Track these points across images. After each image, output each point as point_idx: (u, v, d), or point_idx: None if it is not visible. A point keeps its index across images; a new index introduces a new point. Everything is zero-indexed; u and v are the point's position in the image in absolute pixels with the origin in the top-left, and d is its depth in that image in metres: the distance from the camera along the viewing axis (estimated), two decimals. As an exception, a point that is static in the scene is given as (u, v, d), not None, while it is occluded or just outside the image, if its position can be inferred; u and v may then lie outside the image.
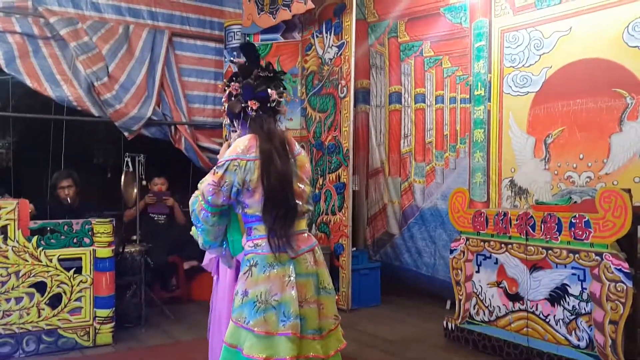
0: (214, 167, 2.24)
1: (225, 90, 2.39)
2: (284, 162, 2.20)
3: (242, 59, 2.36)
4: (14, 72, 5.47)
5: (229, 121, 2.40)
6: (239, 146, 2.22)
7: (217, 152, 6.47)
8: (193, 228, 2.40)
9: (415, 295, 5.80)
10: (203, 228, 2.31)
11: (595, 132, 4.26)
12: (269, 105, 2.28)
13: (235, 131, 2.42)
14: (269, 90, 2.28)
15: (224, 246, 2.46)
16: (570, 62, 4.46)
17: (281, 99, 2.32)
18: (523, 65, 4.79)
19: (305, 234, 2.31)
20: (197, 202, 2.27)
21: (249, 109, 2.26)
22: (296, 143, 2.39)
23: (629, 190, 3.44)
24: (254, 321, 2.13)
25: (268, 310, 2.13)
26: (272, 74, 2.33)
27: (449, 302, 5.24)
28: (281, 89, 2.35)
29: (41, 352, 4.11)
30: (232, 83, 2.31)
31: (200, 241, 2.38)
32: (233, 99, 2.32)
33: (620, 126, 4.12)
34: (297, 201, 2.24)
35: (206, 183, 2.23)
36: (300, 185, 2.29)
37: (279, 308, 2.13)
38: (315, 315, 2.23)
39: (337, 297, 2.45)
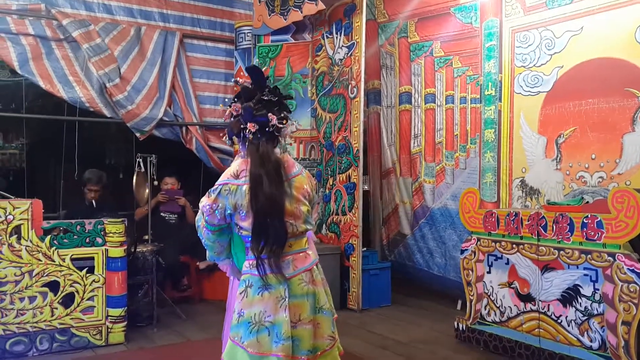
0: (210, 190, 2.32)
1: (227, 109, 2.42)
2: (274, 186, 2.20)
3: (248, 80, 2.37)
4: (28, 73, 5.53)
5: (228, 138, 2.42)
6: (231, 170, 2.30)
7: (227, 153, 6.54)
8: None
9: (427, 296, 5.79)
10: (206, 243, 2.42)
11: (607, 132, 4.23)
12: (267, 129, 2.27)
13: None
14: (269, 115, 2.27)
15: (230, 259, 2.53)
16: (581, 61, 4.44)
17: (281, 126, 2.29)
18: (534, 65, 4.77)
19: (302, 254, 2.31)
20: (200, 219, 2.36)
21: (247, 131, 2.26)
22: (296, 165, 2.40)
23: (641, 191, 3.42)
24: (248, 342, 2.18)
25: (261, 332, 2.18)
26: (275, 98, 2.32)
27: (459, 303, 5.23)
28: (283, 114, 2.33)
29: (54, 350, 4.15)
30: (234, 104, 2.32)
31: (207, 254, 2.51)
32: (233, 119, 2.33)
33: (632, 126, 4.09)
34: (290, 221, 2.26)
35: (203, 204, 2.31)
36: (296, 206, 2.28)
37: (272, 329, 2.17)
38: (310, 335, 2.23)
39: (335, 317, 2.40)
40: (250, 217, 2.20)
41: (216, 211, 2.27)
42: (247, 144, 2.30)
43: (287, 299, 2.19)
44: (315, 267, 2.33)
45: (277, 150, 2.32)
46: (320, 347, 2.27)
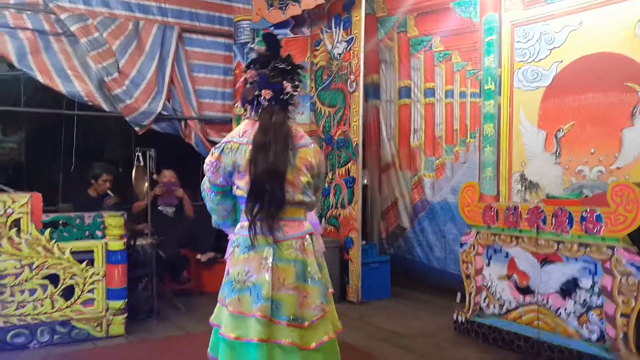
0: (213, 147, 2.35)
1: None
2: (277, 152, 2.20)
3: (263, 47, 2.39)
4: (26, 68, 5.51)
5: (241, 106, 2.41)
6: (236, 130, 2.33)
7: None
8: None
9: (427, 289, 5.81)
10: (210, 207, 2.42)
11: (606, 126, 4.25)
12: (281, 97, 2.28)
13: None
14: (284, 82, 2.28)
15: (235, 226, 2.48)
16: (581, 56, 4.45)
17: (295, 93, 2.31)
18: (533, 60, 4.78)
19: (296, 222, 2.28)
20: (205, 181, 2.38)
21: (262, 98, 2.27)
22: (305, 137, 2.38)
23: (640, 184, 3.44)
24: (229, 300, 2.21)
25: (243, 291, 2.18)
26: (289, 67, 2.32)
27: (459, 295, 5.25)
28: (296, 82, 2.34)
29: (55, 342, 4.16)
30: (249, 70, 2.33)
31: (212, 220, 2.49)
32: (248, 85, 2.33)
33: (632, 120, 4.11)
34: (288, 190, 2.24)
35: (206, 162, 2.34)
36: (296, 175, 2.26)
37: (253, 289, 2.17)
38: (293, 302, 2.19)
39: (330, 291, 2.35)
40: (246, 177, 2.21)
41: (220, 169, 2.28)
42: (259, 111, 2.28)
43: (270, 261, 2.18)
44: (308, 236, 2.29)
45: (289, 120, 2.33)
46: (307, 318, 2.21)
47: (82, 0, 5.86)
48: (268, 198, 2.17)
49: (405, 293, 5.80)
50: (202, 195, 2.42)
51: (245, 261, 2.21)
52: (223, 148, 2.28)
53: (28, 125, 6.18)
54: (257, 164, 2.17)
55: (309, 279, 2.24)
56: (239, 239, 2.27)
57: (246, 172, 2.21)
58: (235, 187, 2.29)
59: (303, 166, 2.28)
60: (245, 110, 2.39)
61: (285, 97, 2.29)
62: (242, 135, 2.27)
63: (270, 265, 2.17)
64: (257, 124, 2.26)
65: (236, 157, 2.24)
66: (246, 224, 2.22)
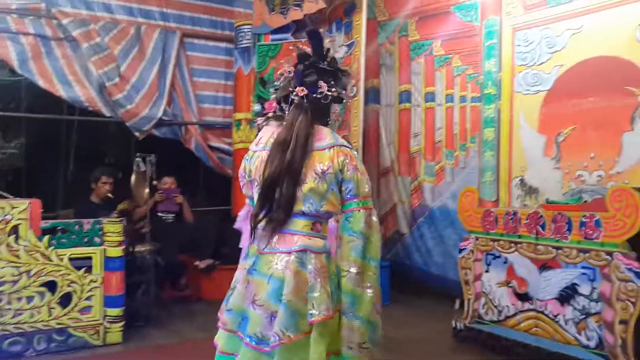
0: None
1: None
2: (295, 151, 2.01)
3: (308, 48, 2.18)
4: (27, 73, 5.54)
5: (275, 103, 2.23)
6: (256, 138, 2.20)
7: (226, 152, 6.54)
8: None
9: (425, 295, 5.77)
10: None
11: (606, 130, 4.21)
12: (315, 95, 2.09)
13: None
14: (321, 82, 2.09)
15: None
16: (581, 60, 4.42)
17: (329, 94, 2.09)
18: (534, 64, 4.75)
19: (292, 235, 2.02)
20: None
21: (295, 94, 2.10)
22: (326, 139, 2.06)
23: (640, 190, 3.41)
24: (223, 305, 2.14)
25: (228, 297, 2.11)
26: (330, 68, 2.13)
27: (457, 302, 5.21)
28: (336, 87, 2.12)
29: (52, 350, 4.14)
30: (288, 66, 2.17)
31: None
32: (283, 82, 2.18)
33: (632, 125, 4.07)
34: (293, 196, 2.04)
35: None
36: (300, 185, 2.03)
37: (228, 299, 2.12)
38: (257, 321, 1.97)
39: (315, 319, 1.91)
40: (256, 184, 2.09)
41: (245, 179, 2.17)
42: (289, 110, 2.11)
43: (247, 272, 2.05)
44: (299, 253, 1.98)
45: (319, 121, 2.11)
46: (270, 342, 1.93)
47: (85, 5, 5.88)
48: (277, 201, 2.00)
49: (404, 299, 5.76)
50: None
51: (239, 268, 2.14)
52: (245, 156, 2.18)
53: (28, 130, 6.20)
54: (273, 163, 2.01)
55: (280, 300, 1.94)
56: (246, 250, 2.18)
57: (255, 179, 2.09)
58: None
59: (310, 172, 2.02)
60: (282, 110, 2.20)
61: (319, 97, 2.08)
62: (258, 143, 2.15)
63: (246, 276, 2.05)
64: (280, 128, 2.10)
65: (250, 165, 2.13)
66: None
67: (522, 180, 4.80)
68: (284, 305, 1.92)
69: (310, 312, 1.92)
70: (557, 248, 3.69)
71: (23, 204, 4.15)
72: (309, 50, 2.14)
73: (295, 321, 1.92)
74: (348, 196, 2.04)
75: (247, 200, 2.25)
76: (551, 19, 4.62)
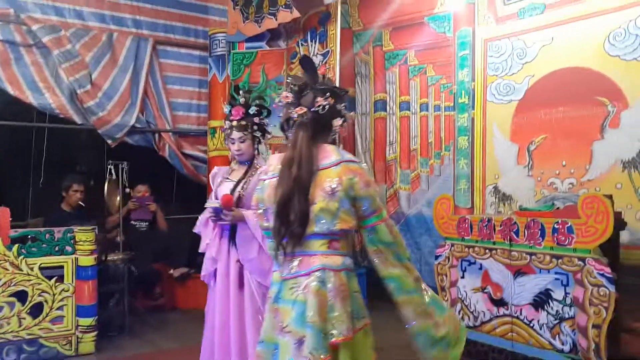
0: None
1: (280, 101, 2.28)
2: (301, 164, 2.04)
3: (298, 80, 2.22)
4: (-4, 79, 5.41)
5: (280, 130, 2.26)
6: (265, 168, 2.29)
7: (201, 160, 6.49)
8: None
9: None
10: (272, 256, 2.20)
11: (577, 139, 4.31)
12: (313, 109, 2.11)
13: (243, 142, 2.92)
14: (318, 98, 2.11)
15: None
16: (552, 70, 4.51)
17: (325, 102, 2.10)
18: (506, 74, 4.84)
19: (310, 257, 2.04)
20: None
21: (295, 114, 2.13)
22: (331, 157, 2.08)
23: (610, 197, 3.48)
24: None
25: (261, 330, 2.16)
26: (325, 87, 2.17)
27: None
28: (329, 96, 2.14)
29: (22, 362, 4.05)
30: (284, 92, 2.21)
31: None
32: (283, 107, 2.21)
33: (602, 134, 4.18)
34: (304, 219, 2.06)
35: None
36: (311, 206, 2.04)
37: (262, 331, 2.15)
38: (287, 348, 1.98)
39: (335, 339, 1.97)
40: (270, 212, 2.10)
41: (261, 210, 2.19)
42: (293, 131, 2.13)
43: (273, 301, 2.08)
44: (319, 273, 2.00)
45: (322, 135, 2.14)
46: None
47: (55, 11, 5.80)
48: (292, 215, 2.01)
49: (381, 305, 5.70)
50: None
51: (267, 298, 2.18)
52: (256, 188, 2.27)
53: (-3, 138, 6.06)
54: (283, 181, 2.05)
55: (305, 324, 1.96)
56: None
57: (269, 208, 2.11)
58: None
59: (318, 191, 2.02)
60: (286, 137, 2.22)
61: (317, 110, 2.10)
62: (267, 172, 2.19)
63: (272, 305, 2.08)
64: (285, 151, 2.14)
65: (262, 194, 2.16)
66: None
67: (495, 188, 4.88)
68: (310, 327, 1.94)
69: (331, 332, 1.95)
70: (531, 254, 3.74)
71: (-9, 212, 4.05)
72: (303, 75, 2.19)
73: (324, 341, 1.94)
74: (366, 213, 2.07)
75: (270, 241, 2.19)
76: (522, 31, 4.72)
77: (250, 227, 2.98)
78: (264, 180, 2.18)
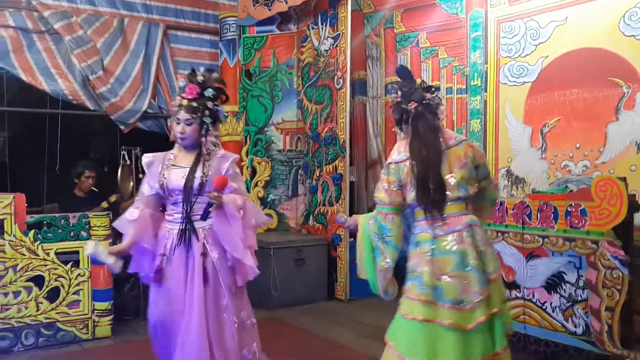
0: (382, 172, 2.72)
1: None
2: (429, 146, 2.55)
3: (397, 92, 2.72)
4: (9, 66, 5.43)
5: (396, 126, 2.73)
6: (394, 151, 2.68)
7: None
8: (362, 268, 2.84)
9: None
10: (390, 235, 2.63)
11: (591, 121, 4.26)
12: (424, 102, 2.61)
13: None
14: (424, 94, 2.63)
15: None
16: (566, 51, 4.46)
17: (434, 95, 2.65)
18: (519, 55, 4.79)
19: (457, 217, 2.55)
20: (376, 216, 2.65)
21: (410, 108, 2.61)
22: (455, 137, 2.67)
23: (624, 179, 3.45)
24: (406, 287, 2.60)
25: (413, 279, 2.56)
26: (424, 85, 2.69)
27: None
28: (434, 90, 2.69)
29: (40, 345, 4.12)
30: (390, 94, 2.60)
31: (384, 264, 2.68)
32: (395, 106, 2.69)
33: (616, 115, 4.13)
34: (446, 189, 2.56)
35: (379, 189, 2.65)
36: (449, 176, 2.56)
37: (418, 279, 2.53)
38: (453, 288, 2.48)
39: (493, 276, 2.56)
40: (409, 186, 2.56)
41: (394, 188, 2.60)
42: (410, 122, 2.61)
43: (429, 255, 2.52)
44: (468, 229, 2.54)
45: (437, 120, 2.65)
46: (468, 301, 2.47)
47: (66, -3, 5.80)
48: (431, 188, 2.52)
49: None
50: (377, 235, 2.65)
51: (414, 256, 2.61)
52: (389, 170, 2.63)
53: (11, 124, 6.11)
54: (417, 162, 2.54)
55: (468, 267, 2.49)
56: (414, 238, 2.63)
57: (409, 183, 2.56)
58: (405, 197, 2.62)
59: (455, 165, 2.58)
60: (400, 129, 2.69)
61: (429, 102, 2.63)
62: (399, 155, 2.62)
63: (429, 258, 2.52)
64: (412, 135, 2.61)
65: (399, 175, 2.59)
66: (417, 223, 2.61)
67: (508, 171, 4.86)
68: (474, 270, 2.50)
69: (487, 271, 2.54)
70: (544, 237, 3.73)
71: (7, 198, 4.11)
72: (400, 80, 2.72)
73: (485, 279, 2.52)
74: (484, 176, 2.71)
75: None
76: (535, 11, 4.66)
77: (247, 214, 2.80)
78: (396, 162, 2.60)
